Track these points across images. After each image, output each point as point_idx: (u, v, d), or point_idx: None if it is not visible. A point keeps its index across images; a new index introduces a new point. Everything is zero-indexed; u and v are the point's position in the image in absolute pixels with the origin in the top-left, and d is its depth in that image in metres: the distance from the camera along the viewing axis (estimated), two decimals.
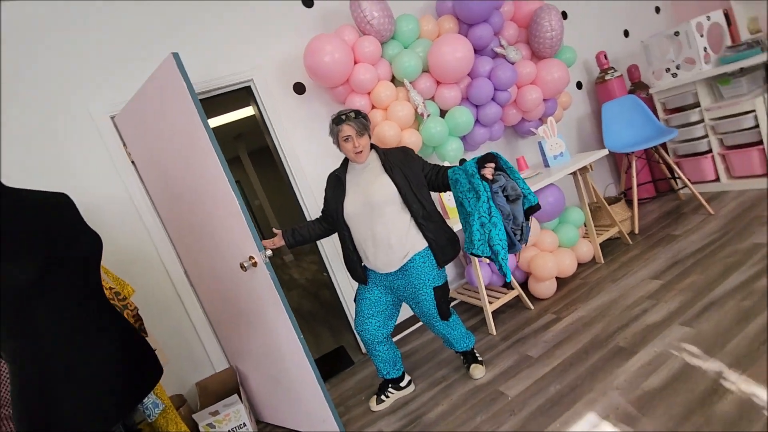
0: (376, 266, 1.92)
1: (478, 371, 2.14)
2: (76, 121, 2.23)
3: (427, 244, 1.89)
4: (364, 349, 2.91)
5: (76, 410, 0.92)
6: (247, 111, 5.26)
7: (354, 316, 2.23)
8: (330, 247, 2.78)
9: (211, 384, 2.47)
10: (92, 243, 1.00)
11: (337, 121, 1.88)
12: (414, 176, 1.87)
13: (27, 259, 0.85)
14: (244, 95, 2.69)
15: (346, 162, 2.03)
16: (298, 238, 2.11)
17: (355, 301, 2.13)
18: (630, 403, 1.61)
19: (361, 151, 1.88)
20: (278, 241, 2.08)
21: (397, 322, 2.99)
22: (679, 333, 1.89)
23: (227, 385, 2.51)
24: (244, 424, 2.30)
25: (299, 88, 2.72)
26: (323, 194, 2.10)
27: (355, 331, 2.19)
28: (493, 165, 1.67)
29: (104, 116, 2.31)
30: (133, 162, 2.37)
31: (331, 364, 2.88)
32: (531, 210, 1.70)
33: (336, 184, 1.99)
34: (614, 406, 1.63)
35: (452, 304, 3.10)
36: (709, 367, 1.63)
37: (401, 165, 1.88)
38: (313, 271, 5.99)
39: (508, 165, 1.71)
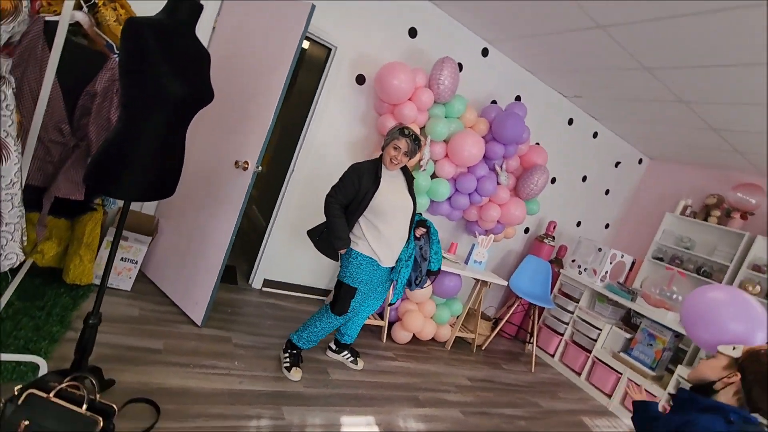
0: (380, 255, 2.30)
1: (361, 362, 2.75)
2: None
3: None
4: (251, 281, 3.38)
5: (129, 176, 1.36)
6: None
7: (346, 313, 2.37)
8: (288, 203, 3.25)
9: (133, 218, 2.79)
10: (210, 98, 1.45)
11: (401, 133, 2.23)
12: (415, 200, 2.42)
13: (187, 84, 1.29)
14: (319, 58, 3.16)
15: (376, 162, 2.32)
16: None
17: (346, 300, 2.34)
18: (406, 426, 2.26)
19: (397, 164, 2.28)
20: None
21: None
22: (455, 412, 2.61)
23: (141, 227, 2.83)
24: (136, 263, 2.65)
25: (360, 79, 3.24)
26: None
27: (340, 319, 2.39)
28: (424, 230, 2.44)
29: None
30: (214, 28, 2.73)
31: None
32: (430, 272, 2.46)
33: (371, 177, 2.25)
34: (389, 422, 2.27)
35: None
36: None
37: (413, 186, 2.43)
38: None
39: (435, 236, 2.46)
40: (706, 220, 4.32)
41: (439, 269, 2.57)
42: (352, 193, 2.24)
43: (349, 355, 2.74)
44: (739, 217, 4.13)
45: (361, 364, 2.73)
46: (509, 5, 2.83)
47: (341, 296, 2.33)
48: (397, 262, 2.40)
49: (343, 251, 2.31)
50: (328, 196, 2.28)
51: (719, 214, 4.29)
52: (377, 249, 2.29)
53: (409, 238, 2.41)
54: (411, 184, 2.43)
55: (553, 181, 4.52)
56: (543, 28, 2.95)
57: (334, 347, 2.74)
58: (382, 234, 2.27)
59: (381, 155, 2.33)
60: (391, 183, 2.32)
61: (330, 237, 2.28)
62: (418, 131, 3.13)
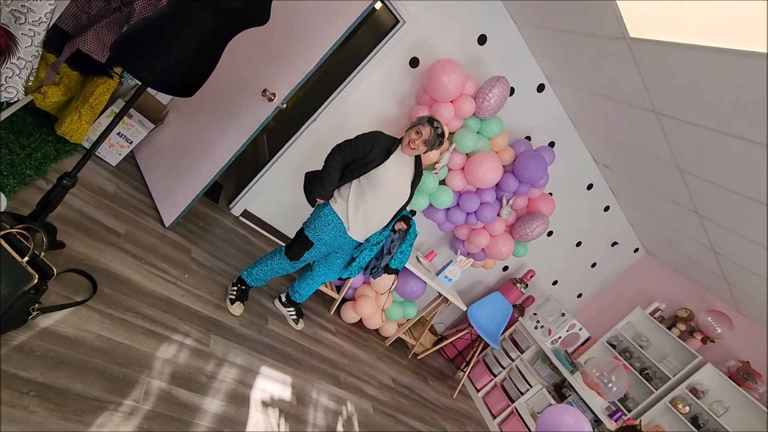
0: (350, 223, 2.29)
1: (302, 324, 2.77)
2: None
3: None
4: (232, 205, 3.37)
5: (154, 61, 1.33)
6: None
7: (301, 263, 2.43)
8: (298, 148, 3.22)
9: (145, 99, 2.74)
10: (264, 20, 1.41)
11: (429, 121, 2.21)
12: (412, 195, 2.41)
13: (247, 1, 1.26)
14: (384, 24, 3.09)
15: (394, 140, 2.30)
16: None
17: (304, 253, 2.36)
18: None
19: (413, 149, 2.23)
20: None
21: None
22: (367, 404, 2.67)
23: (149, 111, 2.78)
24: (130, 143, 2.62)
25: (413, 62, 3.18)
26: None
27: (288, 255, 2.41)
28: (404, 227, 2.46)
29: None
30: None
31: None
32: (388, 268, 2.50)
33: (383, 150, 2.23)
34: (303, 388, 2.31)
35: None
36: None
37: (417, 182, 2.39)
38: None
39: (410, 238, 2.48)
40: (669, 328, 4.39)
41: (398, 269, 2.58)
42: (359, 154, 2.23)
43: (294, 313, 2.76)
44: (699, 339, 4.21)
45: (301, 326, 2.76)
46: (584, 56, 2.78)
47: (297, 243, 2.37)
48: (365, 242, 2.41)
49: (320, 201, 2.30)
50: (336, 146, 2.28)
51: (684, 329, 4.36)
52: (351, 216, 2.28)
53: (386, 226, 2.41)
54: (417, 178, 2.39)
55: (550, 234, 4.54)
56: (603, 89, 2.91)
57: (283, 299, 2.76)
58: (365, 205, 2.26)
59: (402, 137, 2.31)
60: (398, 165, 2.28)
61: (316, 183, 2.28)
62: (446, 133, 3.11)
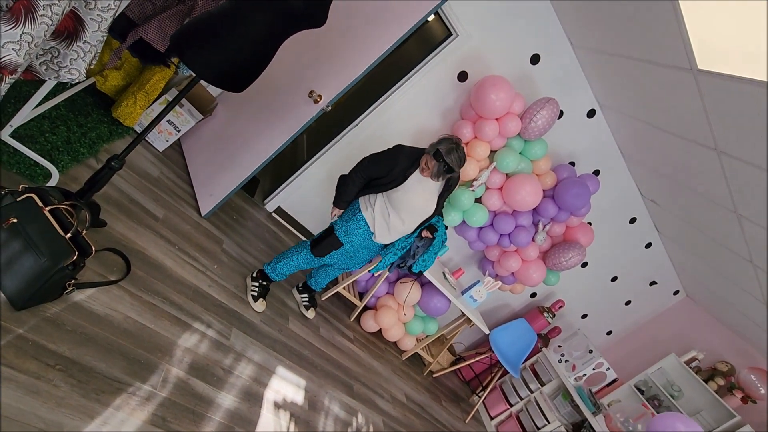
0: (377, 231, 2.35)
1: (312, 314, 2.78)
2: None
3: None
4: (266, 201, 3.41)
5: (210, 55, 1.35)
6: None
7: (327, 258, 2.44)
8: (336, 152, 3.22)
9: (197, 90, 2.82)
10: (321, 23, 1.41)
11: (436, 155, 2.13)
12: (440, 206, 2.42)
13: (307, 0, 1.26)
14: (435, 36, 3.07)
15: (414, 163, 2.25)
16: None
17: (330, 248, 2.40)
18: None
19: (426, 176, 2.22)
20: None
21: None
22: (377, 418, 2.61)
23: (200, 103, 2.86)
24: (178, 131, 2.70)
25: (462, 76, 3.13)
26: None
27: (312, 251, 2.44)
28: (429, 236, 2.52)
29: None
30: None
31: None
32: (411, 269, 2.55)
33: (402, 171, 2.23)
34: (316, 393, 2.28)
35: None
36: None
37: (448, 194, 2.39)
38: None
39: (435, 248, 2.53)
40: (706, 381, 4.10)
41: (420, 273, 2.61)
42: (382, 172, 2.27)
43: (307, 299, 2.76)
44: (739, 398, 3.91)
45: (311, 315, 2.76)
46: (644, 84, 2.65)
47: (326, 242, 2.40)
48: (390, 245, 2.48)
49: (334, 212, 2.42)
50: (363, 158, 2.33)
51: (722, 384, 4.06)
52: (377, 225, 2.35)
53: (412, 233, 2.45)
54: (447, 191, 2.36)
55: (584, 265, 4.35)
56: (660, 120, 2.77)
57: (300, 287, 2.80)
58: (390, 218, 2.32)
59: None
60: (421, 182, 2.26)
61: (337, 192, 2.38)
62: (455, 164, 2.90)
